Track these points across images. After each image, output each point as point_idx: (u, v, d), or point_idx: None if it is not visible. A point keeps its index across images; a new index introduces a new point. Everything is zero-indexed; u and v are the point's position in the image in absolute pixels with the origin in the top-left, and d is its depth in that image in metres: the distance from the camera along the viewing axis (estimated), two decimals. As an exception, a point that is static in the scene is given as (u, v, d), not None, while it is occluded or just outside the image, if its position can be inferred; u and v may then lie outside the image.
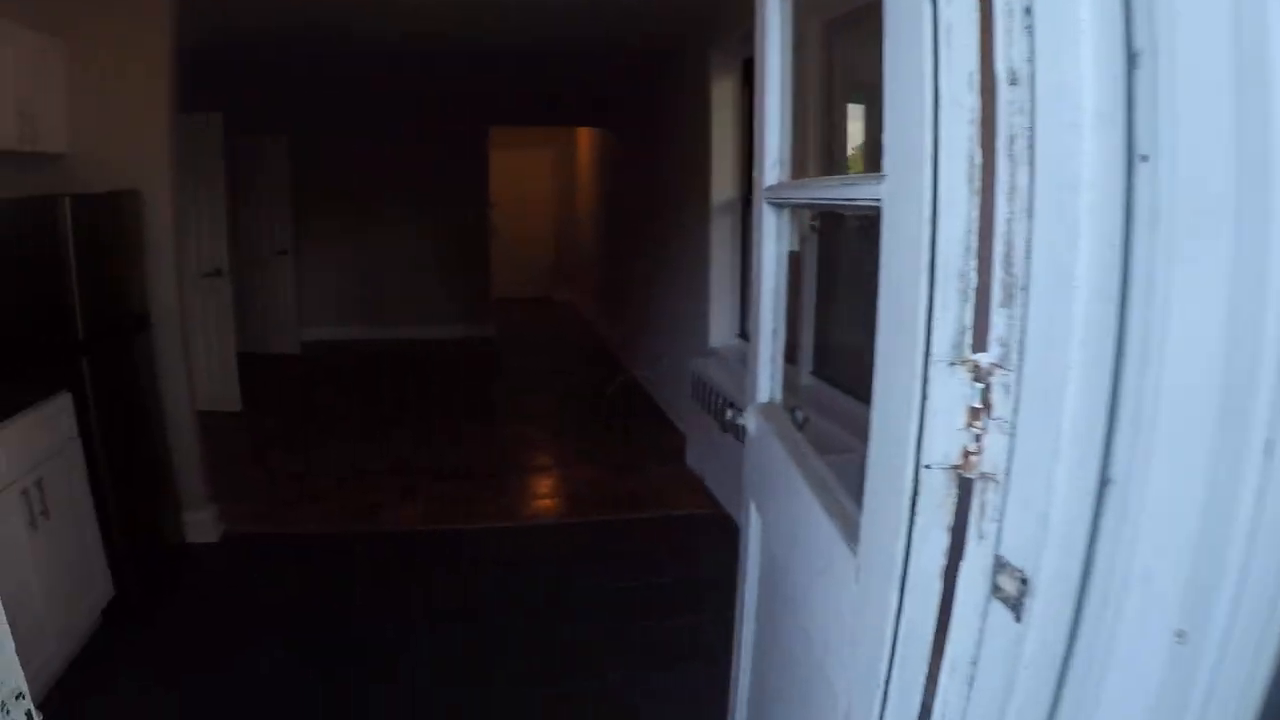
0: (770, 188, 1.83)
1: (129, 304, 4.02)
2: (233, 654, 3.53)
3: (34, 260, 3.51)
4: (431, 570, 4.23)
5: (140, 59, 4.07)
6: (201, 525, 4.55)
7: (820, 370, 4.22)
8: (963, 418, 0.92)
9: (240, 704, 3.22)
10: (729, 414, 2.19)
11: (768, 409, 1.93)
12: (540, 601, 3.92)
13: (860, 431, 1.16)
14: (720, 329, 5.59)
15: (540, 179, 12.47)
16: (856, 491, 1.21)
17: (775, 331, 1.91)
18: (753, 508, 2.00)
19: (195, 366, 6.83)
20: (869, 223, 3.19)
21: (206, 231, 6.66)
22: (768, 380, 1.96)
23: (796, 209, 1.92)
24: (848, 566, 1.20)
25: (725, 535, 4.35)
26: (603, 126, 9.77)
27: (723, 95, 5.49)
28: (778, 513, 1.79)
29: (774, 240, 1.88)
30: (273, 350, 9.02)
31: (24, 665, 2.77)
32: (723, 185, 5.53)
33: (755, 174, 1.91)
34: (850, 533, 1.23)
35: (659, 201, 7.05)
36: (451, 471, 5.56)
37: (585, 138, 11.01)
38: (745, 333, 5.41)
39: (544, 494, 5.49)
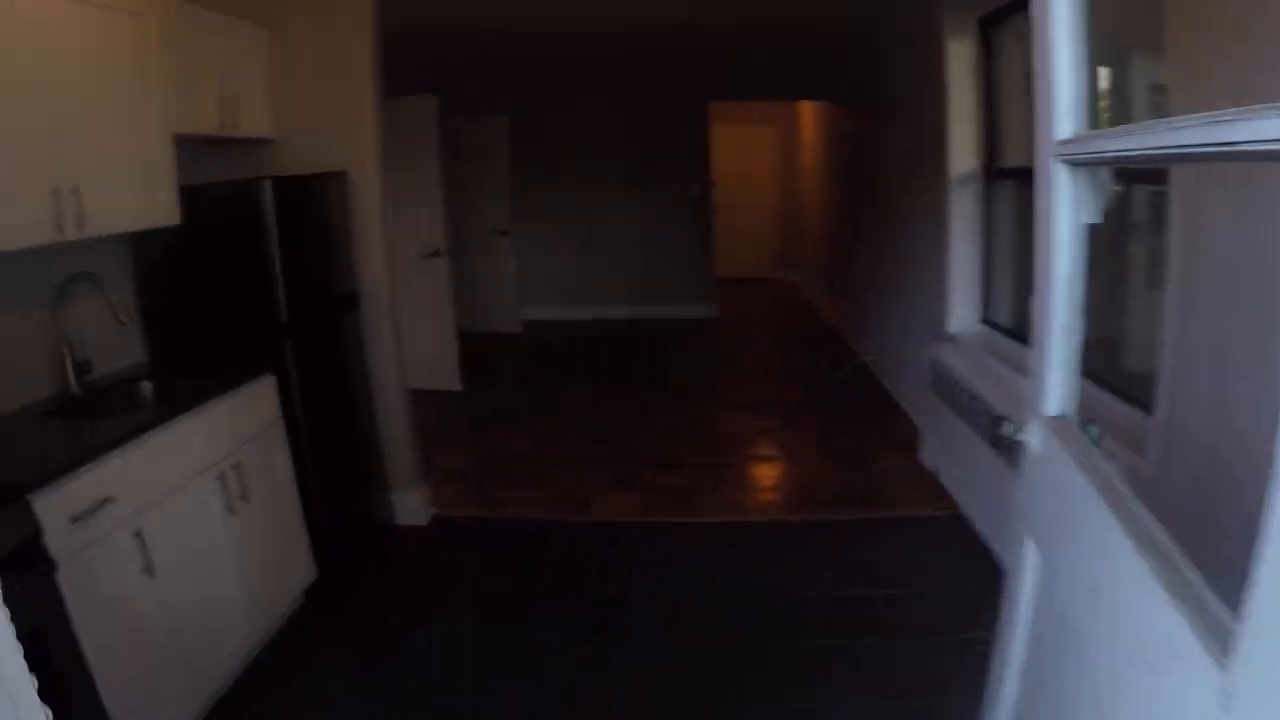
0: (1064, 142, 1.45)
1: (337, 284, 4.01)
2: (433, 638, 3.46)
3: (238, 243, 3.51)
4: (643, 567, 3.98)
5: (344, 44, 4.02)
6: (411, 507, 4.52)
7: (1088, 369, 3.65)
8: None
9: (437, 688, 3.13)
10: (1004, 428, 1.80)
11: (1058, 425, 1.56)
12: (756, 610, 3.58)
13: (1167, 459, 0.77)
14: (961, 313, 5.05)
15: (762, 156, 12.02)
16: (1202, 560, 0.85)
17: (1068, 327, 1.53)
18: (1030, 546, 1.66)
19: (415, 346, 6.96)
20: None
21: (425, 213, 6.70)
22: (1058, 388, 1.59)
23: (1097, 168, 1.48)
24: (1205, 681, 0.86)
25: (963, 543, 3.92)
26: (826, 99, 9.23)
27: (960, 58, 4.92)
28: (1075, 563, 1.44)
29: (1069, 210, 1.49)
30: (495, 329, 9.13)
31: (216, 646, 2.74)
32: (962, 156, 4.97)
33: (1040, 128, 1.53)
34: (1211, 632, 0.88)
35: (889, 176, 6.52)
36: (670, 459, 5.30)
37: (808, 112, 10.48)
38: (990, 319, 4.88)
39: (765, 486, 5.13)
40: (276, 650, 3.38)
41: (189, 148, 3.86)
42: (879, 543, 4.10)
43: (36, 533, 2.27)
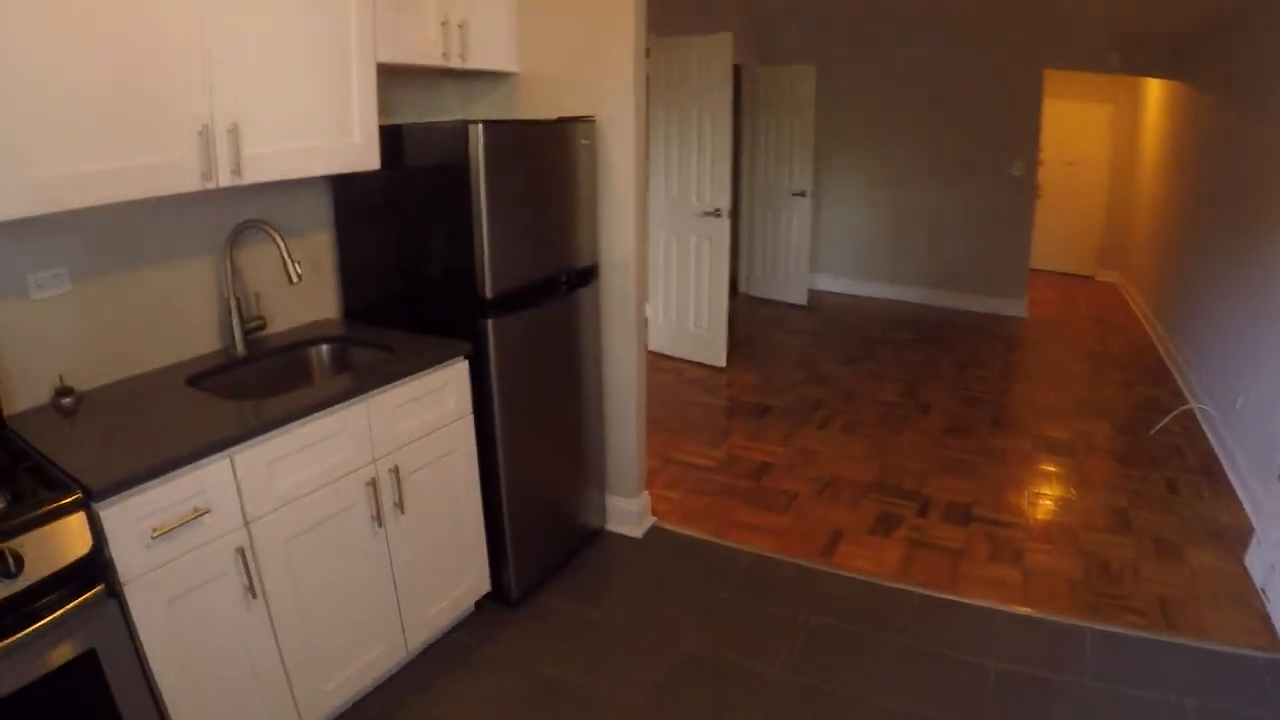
0: None
1: (569, 254, 3.42)
2: (615, 670, 2.99)
3: (440, 198, 2.98)
4: (884, 644, 3.19)
5: None
6: (627, 513, 3.95)
7: None
8: None
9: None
10: None
11: None
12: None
13: None
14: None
15: (1094, 138, 10.18)
16: None
17: None
18: None
19: (679, 311, 6.50)
20: None
21: (709, 167, 6.05)
22: None
23: None
24: None
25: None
26: (1179, 78, 7.59)
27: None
28: None
29: None
30: (776, 297, 8.42)
31: (338, 674, 2.54)
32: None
33: None
34: None
35: (1255, 178, 5.07)
36: (941, 504, 4.36)
37: (1155, 91, 8.74)
38: None
39: (1047, 566, 3.82)
40: (421, 675, 2.96)
41: (413, 81, 3.47)
42: (1171, 677, 2.98)
43: (100, 544, 1.91)
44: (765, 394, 5.98)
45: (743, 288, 8.68)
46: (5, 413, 2.32)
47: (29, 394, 2.42)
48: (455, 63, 3.19)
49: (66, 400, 2.42)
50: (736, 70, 6.08)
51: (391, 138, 2.95)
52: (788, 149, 7.92)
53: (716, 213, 6.06)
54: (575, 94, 3.47)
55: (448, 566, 3.00)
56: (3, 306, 2.35)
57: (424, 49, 3.06)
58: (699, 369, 6.39)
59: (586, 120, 3.39)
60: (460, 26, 3.18)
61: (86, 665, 1.90)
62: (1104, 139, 9.96)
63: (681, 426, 5.29)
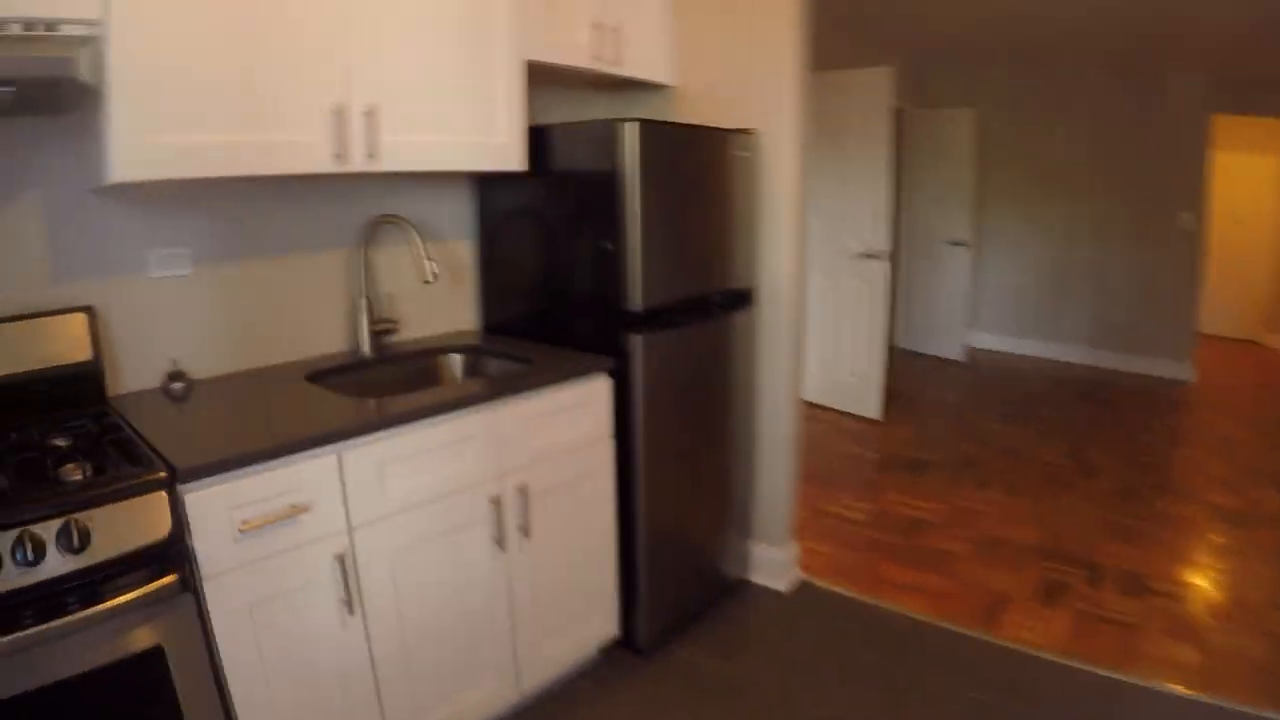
0: None
1: (724, 273, 3.09)
2: None
3: (588, 201, 2.72)
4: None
5: None
6: (772, 564, 3.55)
7: None
8: None
9: None
10: None
11: None
12: None
13: None
14: None
15: (1258, 192, 9.27)
16: None
17: None
18: None
19: (833, 358, 6.08)
20: None
21: (867, 207, 5.67)
22: None
23: None
24: None
25: None
26: None
27: None
28: None
29: None
30: (931, 351, 7.90)
31: (438, 710, 2.21)
32: None
33: None
34: None
35: None
36: (1112, 573, 3.80)
37: None
38: None
39: (1228, 647, 3.17)
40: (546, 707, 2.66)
41: (563, 91, 3.26)
42: None
43: (181, 530, 1.68)
44: (920, 449, 5.50)
45: (895, 339, 8.19)
46: (112, 391, 2.20)
47: (140, 375, 2.28)
48: (606, 67, 2.95)
49: (177, 385, 2.28)
50: (905, 111, 5.69)
51: (538, 138, 2.73)
52: (945, 195, 7.43)
53: (875, 255, 5.66)
54: (733, 110, 3.17)
55: (573, 603, 2.67)
56: (122, 281, 2.22)
57: (575, 50, 2.84)
58: (851, 420, 5.96)
59: (746, 132, 3.09)
60: (614, 30, 2.95)
61: (150, 663, 1.68)
62: (1270, 193, 9.09)
63: (832, 477, 4.89)
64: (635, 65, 3.10)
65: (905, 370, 7.33)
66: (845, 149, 5.70)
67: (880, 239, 5.64)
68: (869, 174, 5.64)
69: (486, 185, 3.06)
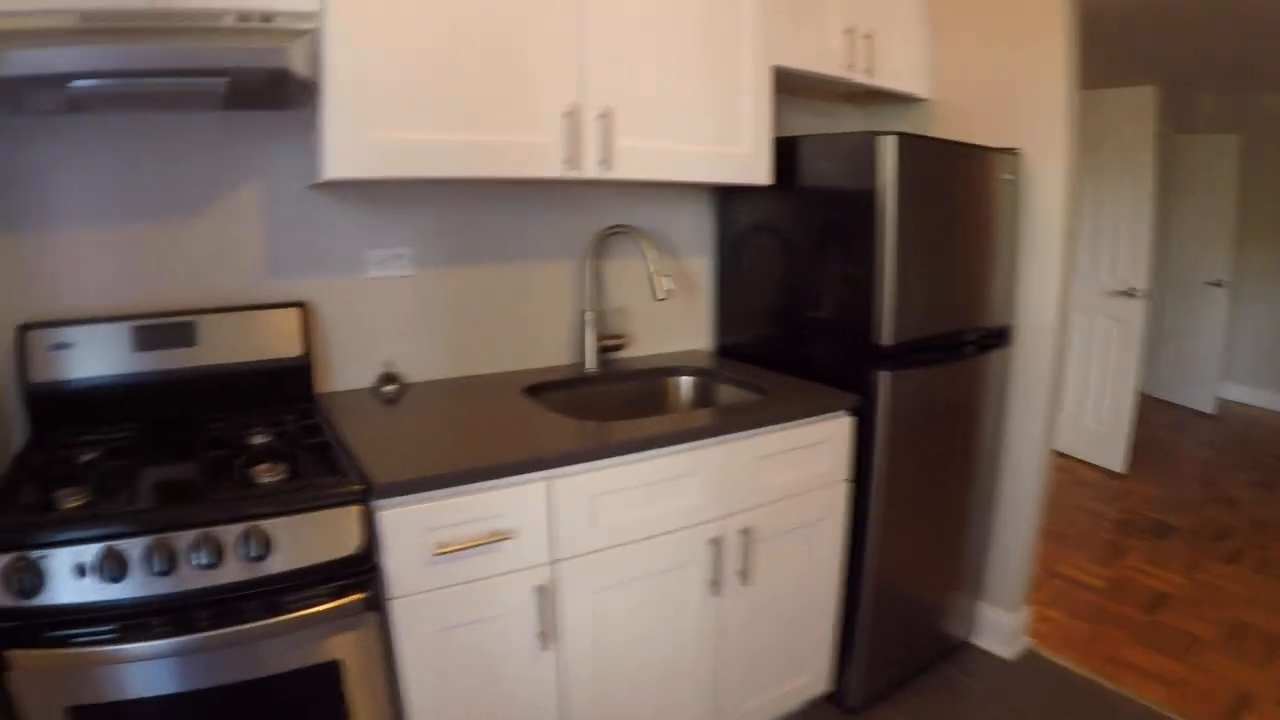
0: None
1: (980, 309, 2.64)
2: None
3: (837, 220, 2.34)
4: None
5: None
6: (999, 628, 3.06)
7: None
8: None
9: None
10: None
11: None
12: None
13: None
14: None
15: None
16: None
17: None
18: None
19: (1073, 400, 5.43)
20: None
21: (1123, 239, 5.00)
22: None
23: None
24: None
25: None
26: None
27: None
28: None
29: None
30: (1178, 401, 6.99)
31: None
32: None
33: None
34: None
35: None
36: None
37: None
38: None
39: None
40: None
41: (810, 104, 2.91)
42: None
43: (372, 547, 1.47)
44: (1165, 510, 4.78)
45: (1143, 384, 7.29)
46: (321, 388, 2.08)
47: (351, 374, 2.14)
48: (860, 77, 2.57)
49: (389, 388, 2.13)
50: (1164, 136, 4.98)
51: (785, 150, 2.39)
52: (1202, 230, 6.46)
53: (1130, 293, 4.97)
54: (994, 128, 2.70)
55: (783, 654, 2.31)
56: (338, 279, 2.09)
57: (826, 57, 2.48)
58: (1091, 471, 5.30)
59: (1010, 152, 2.62)
60: (866, 38, 2.58)
61: (325, 677, 1.49)
62: None
63: (1068, 535, 4.30)
64: (888, 76, 2.71)
65: (1149, 419, 6.51)
66: (1101, 175, 5.05)
67: (1138, 275, 4.95)
68: (1128, 203, 4.95)
69: (725, 199, 2.75)
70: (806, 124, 2.98)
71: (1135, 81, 4.93)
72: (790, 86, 2.56)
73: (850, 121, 3.11)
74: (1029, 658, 3.05)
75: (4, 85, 1.40)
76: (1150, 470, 5.36)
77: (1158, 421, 6.48)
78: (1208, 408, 6.70)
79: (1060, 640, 3.20)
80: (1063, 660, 3.05)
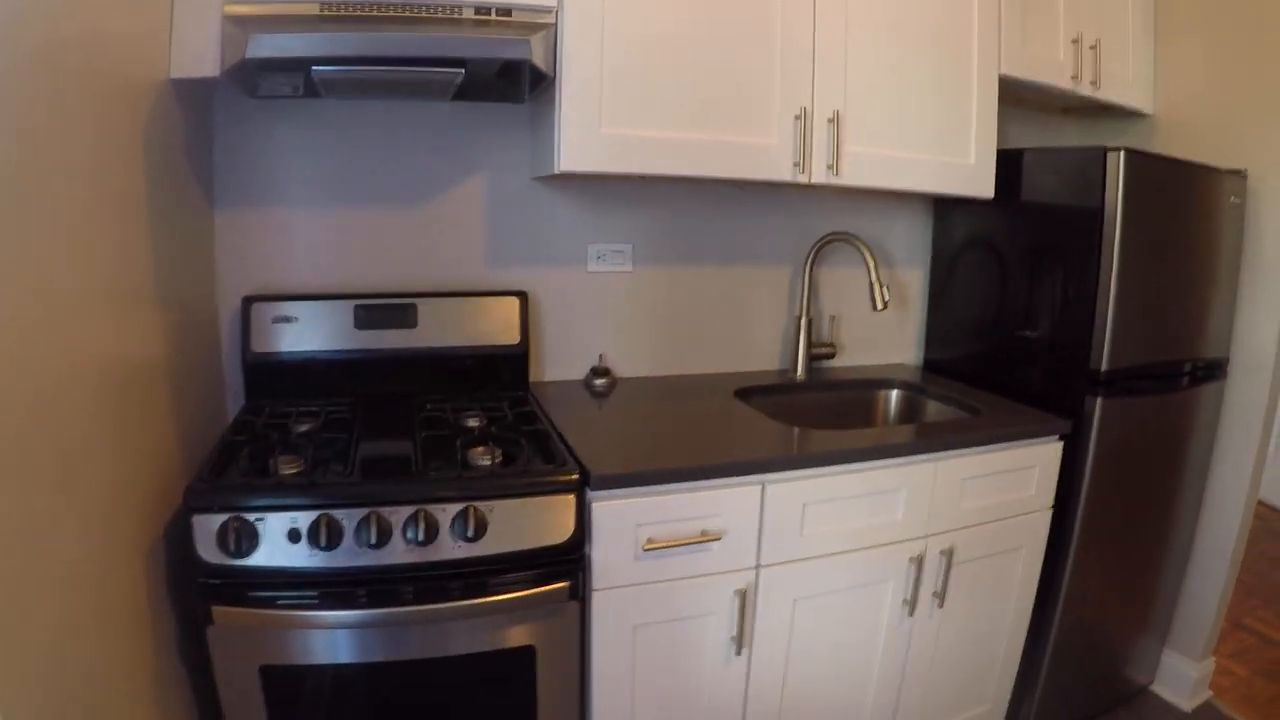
0: None
1: (1196, 339, 2.32)
2: None
3: (1057, 238, 2.10)
4: None
5: (1265, 5, 2.28)
6: (1180, 678, 2.71)
7: None
8: None
9: None
10: None
11: None
12: None
13: None
14: None
15: None
16: None
17: None
18: None
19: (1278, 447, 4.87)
20: None
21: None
22: None
23: None
24: None
25: None
26: None
27: None
28: None
29: None
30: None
31: None
32: None
33: None
34: None
35: None
36: None
37: None
38: None
39: None
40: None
41: (1028, 115, 2.68)
42: None
43: (582, 537, 1.36)
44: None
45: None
46: (534, 378, 2.00)
47: (564, 365, 2.06)
48: (1085, 89, 2.30)
49: (601, 381, 2.02)
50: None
51: (1008, 164, 2.15)
52: None
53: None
54: (1219, 147, 2.36)
55: (966, 683, 2.07)
56: (557, 271, 2.03)
57: (1052, 68, 2.22)
58: (1280, 517, 4.80)
59: (1238, 173, 2.28)
60: (1093, 48, 2.30)
61: (519, 661, 1.40)
62: None
63: (1259, 586, 3.87)
64: (1114, 88, 2.41)
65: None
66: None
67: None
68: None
69: (941, 210, 2.52)
70: (1022, 136, 2.73)
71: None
72: (1008, 97, 2.34)
73: (1066, 135, 2.83)
74: (1208, 711, 2.72)
75: (245, 68, 1.37)
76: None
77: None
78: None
79: (1241, 697, 2.85)
80: (1242, 718, 2.72)
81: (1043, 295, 2.11)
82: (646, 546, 1.41)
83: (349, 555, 1.25)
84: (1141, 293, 2.00)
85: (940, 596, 1.84)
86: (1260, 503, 4.62)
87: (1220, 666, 2.91)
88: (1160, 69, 2.54)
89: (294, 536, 1.23)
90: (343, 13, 1.39)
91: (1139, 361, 2.07)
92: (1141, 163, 1.93)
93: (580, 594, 1.39)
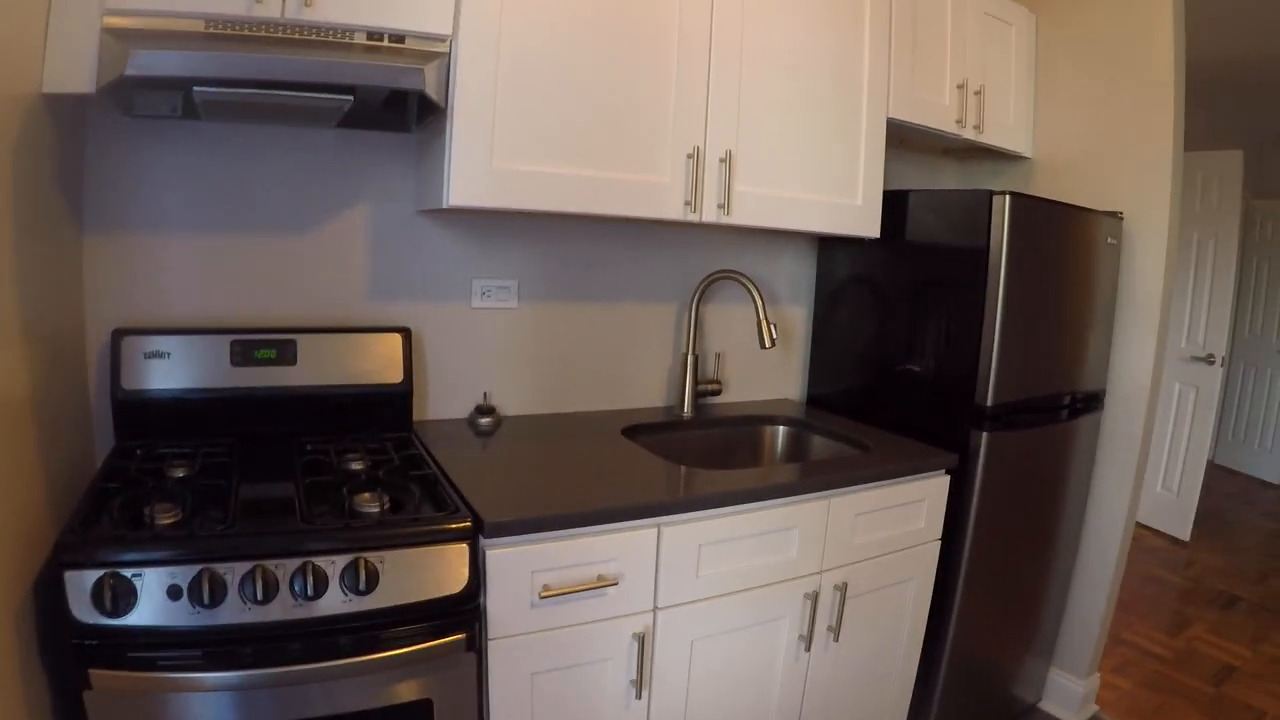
0: None
1: (1075, 373, 2.46)
2: None
3: (944, 278, 2.20)
4: None
5: (1138, 43, 2.47)
6: (1066, 694, 2.84)
7: None
8: None
9: None
10: None
11: None
12: None
13: None
14: None
15: None
16: None
17: None
18: None
19: (1152, 471, 5.12)
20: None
21: (1204, 303, 4.78)
22: None
23: None
24: None
25: None
26: None
27: None
28: None
29: None
30: (1247, 470, 6.64)
31: None
32: None
33: None
34: None
35: None
36: None
37: None
38: None
39: None
40: None
41: (910, 157, 2.80)
42: None
43: (477, 587, 1.35)
44: (1232, 581, 4.51)
45: (1212, 453, 6.97)
46: (418, 416, 1.95)
47: (447, 404, 2.03)
48: (969, 133, 2.44)
49: (485, 420, 2.00)
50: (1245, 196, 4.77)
51: (894, 204, 2.25)
52: (1277, 297, 6.25)
53: (1209, 359, 4.73)
54: (1096, 189, 2.55)
55: (863, 712, 2.13)
56: (441, 307, 2.00)
57: (938, 112, 2.35)
58: (1157, 538, 5.03)
59: (1115, 215, 2.45)
60: (977, 93, 2.44)
61: (416, 714, 1.36)
62: None
63: (1134, 602, 4.07)
64: (996, 132, 2.56)
65: (1213, 487, 6.21)
66: (1186, 239, 4.84)
67: (1218, 342, 4.70)
68: (1210, 269, 4.72)
69: (826, 248, 2.62)
70: (904, 176, 2.84)
71: (1218, 145, 4.72)
72: (892, 139, 2.43)
73: (947, 176, 2.96)
74: (1095, 724, 2.86)
75: (122, 85, 1.30)
76: (1216, 540, 5.09)
77: (1221, 490, 6.17)
78: (1274, 477, 6.37)
79: (1126, 709, 2.99)
80: (1126, 724, 2.85)
81: (926, 331, 2.20)
82: (543, 594, 1.41)
83: (233, 612, 1.21)
84: (1024, 329, 2.11)
85: (835, 630, 1.89)
86: (1141, 525, 4.88)
87: (1105, 681, 3.04)
88: (1040, 114, 2.69)
89: (174, 593, 1.19)
90: (230, 31, 1.35)
91: (1022, 396, 2.17)
92: (1025, 205, 2.04)
93: (477, 645, 1.38)
